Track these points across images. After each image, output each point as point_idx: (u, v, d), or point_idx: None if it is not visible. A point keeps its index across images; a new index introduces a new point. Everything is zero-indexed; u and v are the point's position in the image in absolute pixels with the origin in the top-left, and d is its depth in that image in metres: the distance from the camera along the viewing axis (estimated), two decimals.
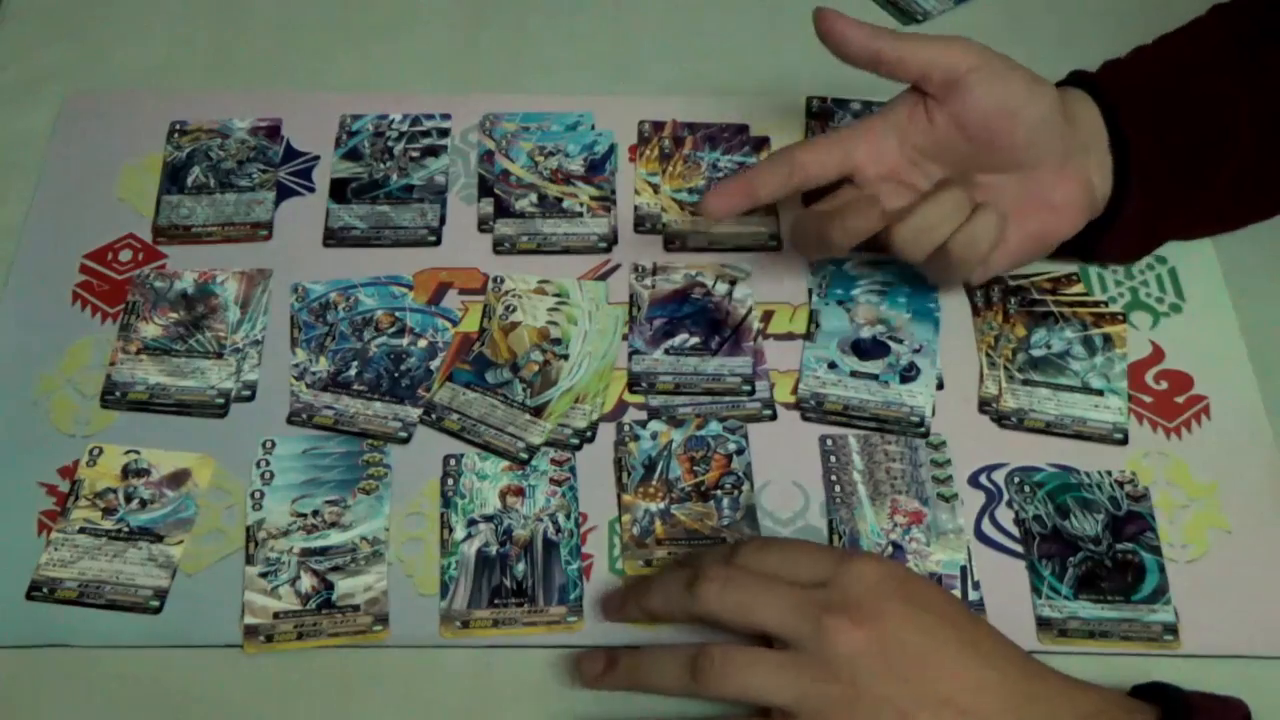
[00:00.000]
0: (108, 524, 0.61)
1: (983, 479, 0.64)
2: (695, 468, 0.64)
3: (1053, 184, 0.65)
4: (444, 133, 0.76)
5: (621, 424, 0.65)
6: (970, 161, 0.64)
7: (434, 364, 0.67)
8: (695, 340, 0.68)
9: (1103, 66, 0.69)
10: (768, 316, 0.69)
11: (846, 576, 0.53)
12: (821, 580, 0.53)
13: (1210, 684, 0.54)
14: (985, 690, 0.51)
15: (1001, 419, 0.66)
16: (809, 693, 0.51)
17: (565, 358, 0.67)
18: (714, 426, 0.65)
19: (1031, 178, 0.64)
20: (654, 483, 0.63)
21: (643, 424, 0.65)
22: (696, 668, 0.52)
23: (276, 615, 0.59)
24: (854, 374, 0.67)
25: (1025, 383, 0.67)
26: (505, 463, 0.64)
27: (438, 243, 0.72)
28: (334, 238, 0.72)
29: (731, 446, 0.64)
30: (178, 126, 0.76)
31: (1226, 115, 0.66)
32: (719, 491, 0.63)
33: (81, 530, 0.61)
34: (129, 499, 0.62)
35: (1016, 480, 0.64)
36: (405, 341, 0.68)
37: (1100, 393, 0.66)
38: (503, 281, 0.70)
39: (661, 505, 0.63)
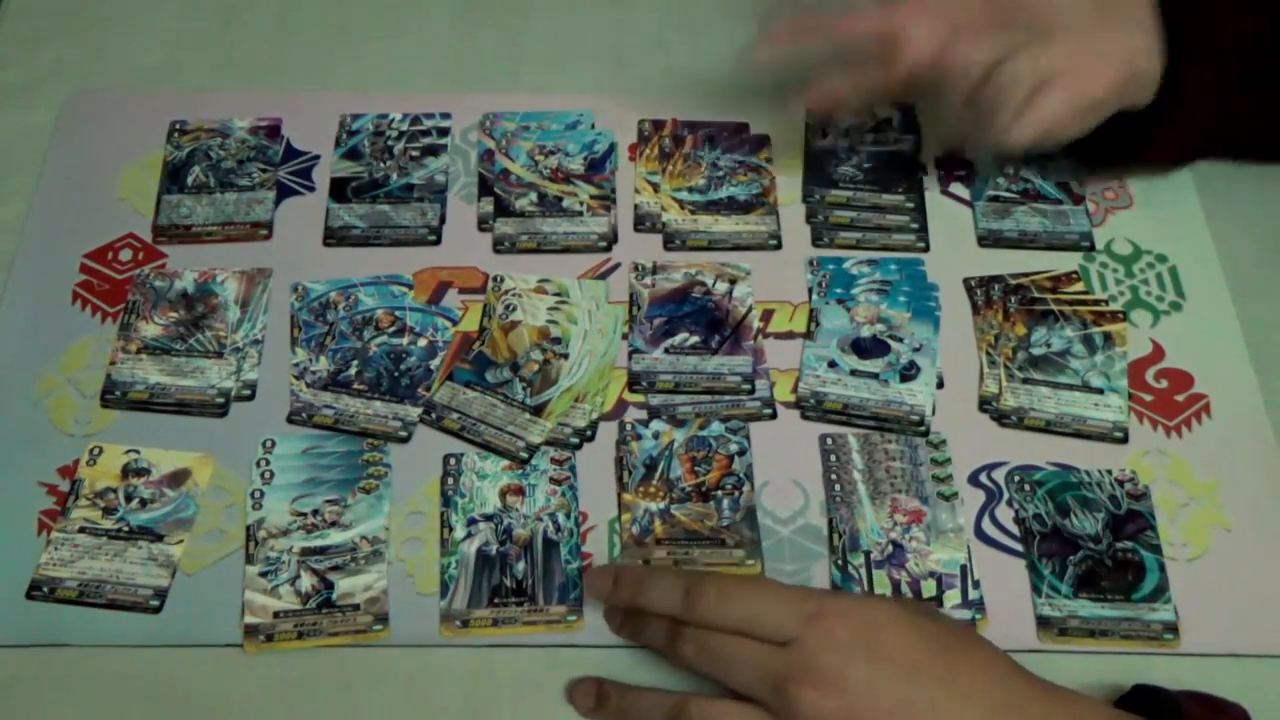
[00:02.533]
0: (108, 523, 0.61)
1: (983, 478, 0.64)
2: (696, 468, 0.64)
3: (1085, 50, 0.64)
4: (444, 132, 0.76)
5: (624, 423, 0.65)
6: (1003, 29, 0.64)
7: (434, 363, 0.67)
8: (695, 339, 0.68)
9: None
10: (768, 315, 0.69)
11: (812, 638, 0.51)
12: (790, 637, 0.52)
13: (1210, 683, 0.54)
14: None
15: (1001, 418, 0.66)
16: None
17: (565, 357, 0.67)
18: (716, 427, 0.65)
19: (1062, 44, 0.63)
20: (654, 482, 0.63)
21: (645, 423, 0.65)
22: None
23: (276, 614, 0.59)
24: (854, 373, 0.67)
25: (1025, 381, 0.67)
26: (505, 462, 0.64)
27: (438, 242, 0.72)
28: (334, 237, 0.72)
29: (733, 447, 0.64)
30: (178, 126, 0.76)
31: None
32: (719, 492, 0.63)
33: (82, 530, 0.61)
34: (129, 498, 0.62)
35: (1016, 479, 0.64)
36: (405, 341, 0.68)
37: (1100, 391, 0.66)
38: (503, 280, 0.70)
39: (661, 505, 0.62)
